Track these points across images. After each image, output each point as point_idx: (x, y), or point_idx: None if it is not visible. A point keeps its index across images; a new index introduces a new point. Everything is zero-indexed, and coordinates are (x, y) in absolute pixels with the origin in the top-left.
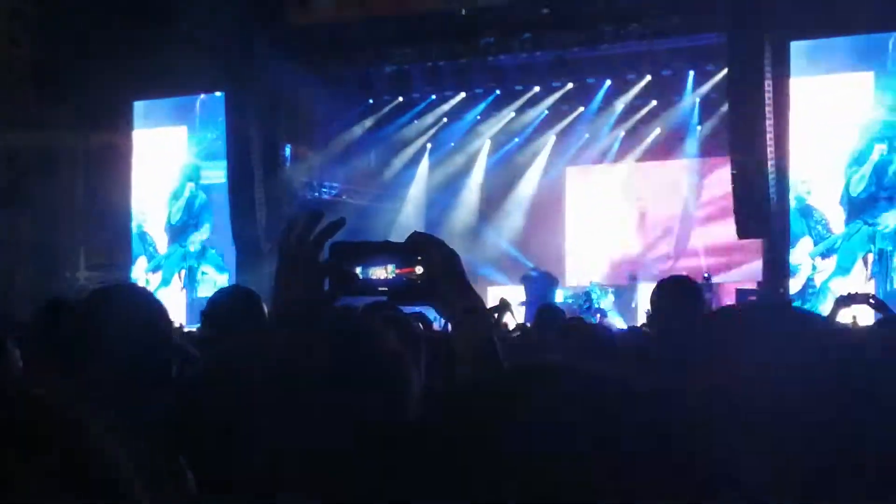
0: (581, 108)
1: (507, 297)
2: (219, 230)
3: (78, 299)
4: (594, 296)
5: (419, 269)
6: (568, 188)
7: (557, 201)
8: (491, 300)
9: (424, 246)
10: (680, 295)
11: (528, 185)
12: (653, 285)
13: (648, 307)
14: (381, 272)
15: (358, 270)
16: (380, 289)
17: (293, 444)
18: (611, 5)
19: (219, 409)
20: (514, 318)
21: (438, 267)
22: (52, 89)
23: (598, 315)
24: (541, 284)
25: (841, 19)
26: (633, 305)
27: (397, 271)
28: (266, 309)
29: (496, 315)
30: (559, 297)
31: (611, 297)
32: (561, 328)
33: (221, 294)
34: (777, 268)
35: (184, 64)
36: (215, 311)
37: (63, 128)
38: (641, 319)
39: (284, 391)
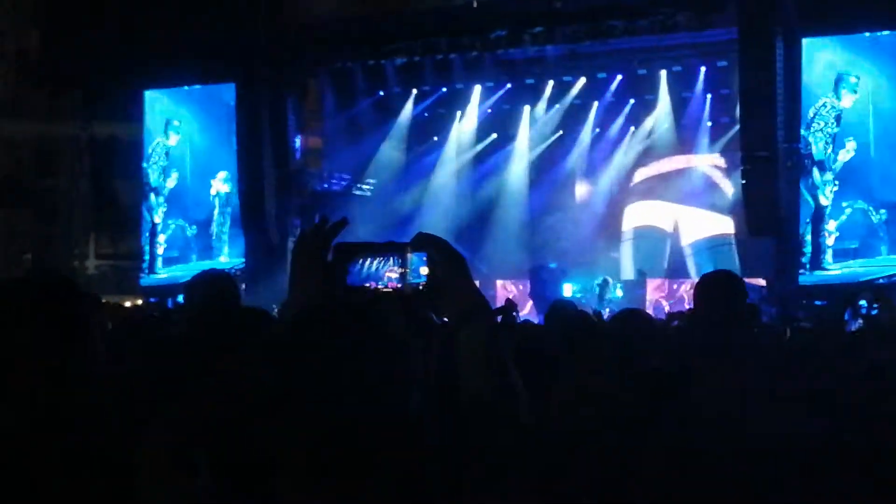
0: (595, 103)
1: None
2: None
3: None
4: (604, 289)
5: (424, 270)
6: (578, 184)
7: (569, 196)
8: (500, 292)
9: (428, 247)
10: (724, 289)
11: (539, 179)
12: (660, 281)
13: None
14: (391, 272)
15: (370, 266)
16: (382, 288)
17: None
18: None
19: None
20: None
21: (442, 269)
22: (58, 81)
23: (608, 309)
24: (551, 278)
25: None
26: (642, 299)
27: (425, 273)
28: (241, 290)
29: (501, 316)
30: (567, 290)
31: (619, 291)
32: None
33: (200, 276)
34: (786, 265)
35: (194, 54)
36: (194, 291)
37: (68, 119)
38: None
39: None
